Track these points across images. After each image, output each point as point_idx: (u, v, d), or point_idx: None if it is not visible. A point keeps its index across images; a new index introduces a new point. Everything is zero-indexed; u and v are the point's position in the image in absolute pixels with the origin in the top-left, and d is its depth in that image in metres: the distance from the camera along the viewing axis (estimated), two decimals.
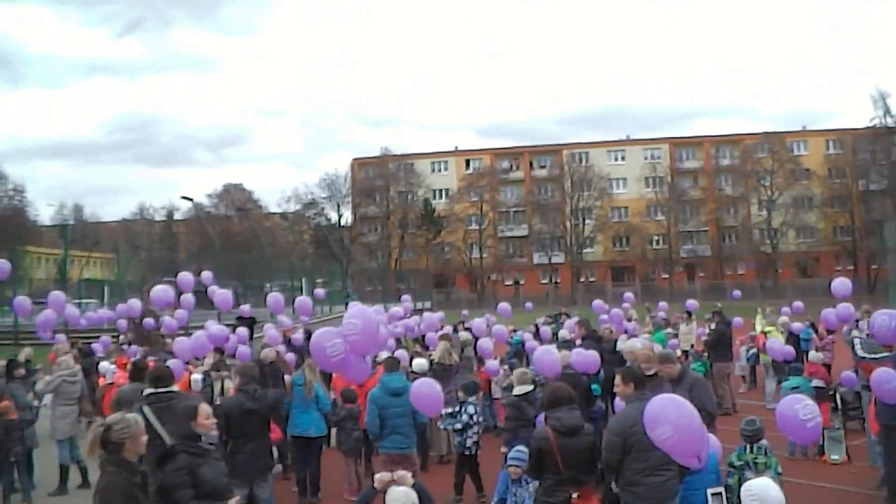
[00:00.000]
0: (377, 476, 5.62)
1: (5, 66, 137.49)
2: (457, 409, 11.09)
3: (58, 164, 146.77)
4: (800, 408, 6.89)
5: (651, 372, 8.86)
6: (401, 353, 14.26)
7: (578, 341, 16.15)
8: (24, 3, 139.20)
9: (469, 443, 10.79)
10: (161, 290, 15.91)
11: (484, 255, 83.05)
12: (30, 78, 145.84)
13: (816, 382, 13.45)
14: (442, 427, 11.70)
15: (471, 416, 10.81)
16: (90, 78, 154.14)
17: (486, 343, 15.69)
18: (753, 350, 20.82)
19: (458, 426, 10.89)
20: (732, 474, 8.11)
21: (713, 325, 19.37)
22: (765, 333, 19.64)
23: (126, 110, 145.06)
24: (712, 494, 5.54)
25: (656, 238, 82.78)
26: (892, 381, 8.01)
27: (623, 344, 13.71)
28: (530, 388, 10.15)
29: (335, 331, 8.32)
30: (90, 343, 20.12)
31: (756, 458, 8.24)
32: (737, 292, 29.49)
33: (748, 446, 8.34)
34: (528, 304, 22.49)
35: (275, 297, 18.54)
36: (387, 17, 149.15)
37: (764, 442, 8.40)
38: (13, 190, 79.83)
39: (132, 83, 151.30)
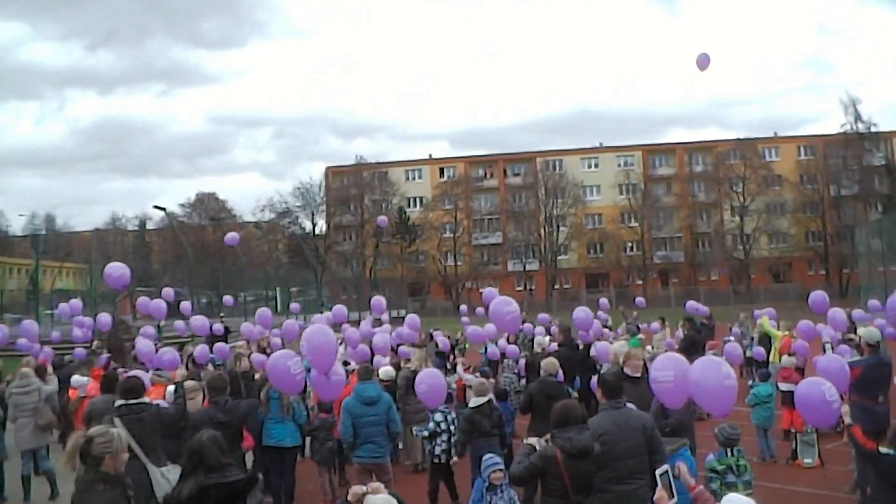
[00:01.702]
0: (351, 490, 5.57)
1: None
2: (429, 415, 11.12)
3: (30, 174, 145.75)
4: (825, 389, 6.98)
5: (638, 374, 8.87)
6: (377, 359, 14.24)
7: (554, 346, 16.24)
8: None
9: (438, 450, 10.72)
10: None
11: (459, 263, 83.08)
12: (2, 89, 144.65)
13: (787, 386, 13.52)
14: (415, 433, 11.68)
15: (437, 424, 10.75)
16: (64, 89, 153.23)
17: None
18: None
19: (426, 433, 10.86)
20: (714, 479, 8.13)
21: (684, 332, 19.48)
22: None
23: (100, 121, 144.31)
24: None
25: (630, 245, 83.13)
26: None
27: (609, 347, 13.77)
28: (484, 399, 10.16)
29: (291, 353, 8.38)
30: (63, 355, 19.89)
31: (738, 462, 8.29)
32: (640, 299, 29.09)
33: (728, 450, 8.36)
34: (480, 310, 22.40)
35: (263, 312, 18.53)
36: (360, 28, 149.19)
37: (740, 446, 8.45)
38: None
39: (106, 94, 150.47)
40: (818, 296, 15.05)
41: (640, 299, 29.05)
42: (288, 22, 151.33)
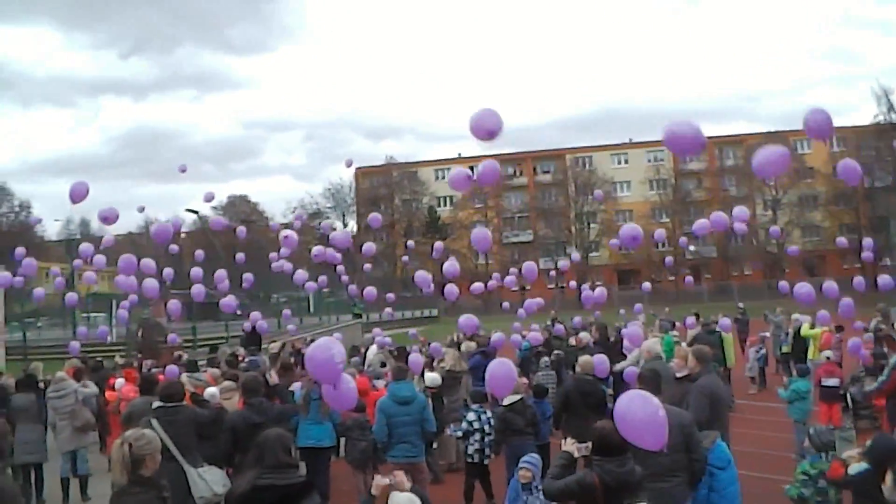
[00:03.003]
0: (374, 481, 5.55)
1: (14, 87, 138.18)
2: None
3: (65, 180, 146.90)
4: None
5: (682, 374, 8.82)
6: (415, 359, 14.22)
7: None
8: (33, 25, 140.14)
9: (471, 450, 10.72)
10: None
11: (489, 262, 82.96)
12: (38, 98, 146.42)
13: (831, 382, 13.42)
14: (449, 433, 11.67)
15: (471, 423, 10.73)
16: (98, 96, 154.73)
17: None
18: (763, 351, 20.77)
19: (459, 433, 10.85)
20: (808, 483, 7.94)
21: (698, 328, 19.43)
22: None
23: (133, 127, 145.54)
24: None
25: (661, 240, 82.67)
26: None
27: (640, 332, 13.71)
28: (517, 397, 10.13)
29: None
30: (100, 358, 20.13)
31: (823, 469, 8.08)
32: (646, 285, 28.50)
33: (823, 455, 8.15)
34: (522, 311, 22.25)
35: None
36: (387, 28, 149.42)
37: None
38: (19, 206, 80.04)
39: (139, 101, 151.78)
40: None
41: (646, 284, 29.38)
42: (316, 26, 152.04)
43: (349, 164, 26.47)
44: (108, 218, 14.90)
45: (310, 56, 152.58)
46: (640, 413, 5.59)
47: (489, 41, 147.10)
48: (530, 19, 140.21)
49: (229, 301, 18.05)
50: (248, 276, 24.04)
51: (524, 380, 14.20)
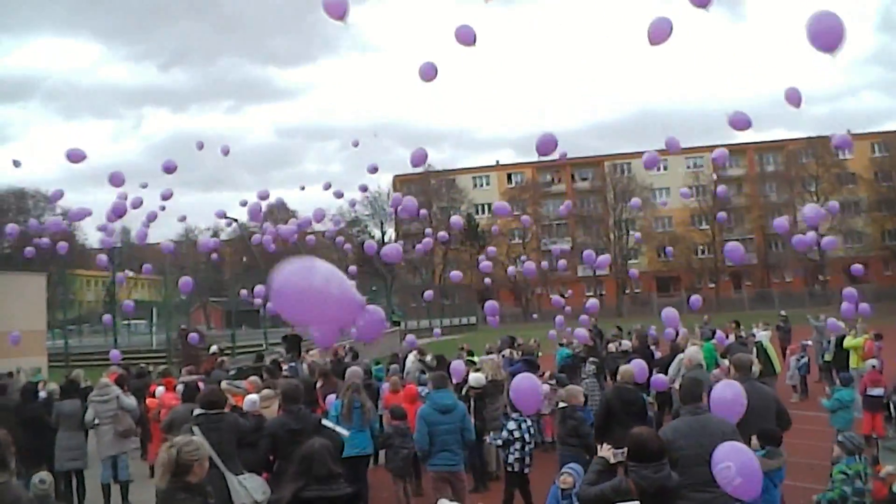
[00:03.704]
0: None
1: (58, 98, 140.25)
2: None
3: (106, 189, 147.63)
4: None
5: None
6: (457, 366, 14.19)
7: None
8: (75, 38, 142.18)
9: (511, 459, 10.65)
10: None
11: None
12: (81, 108, 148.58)
13: (876, 391, 13.24)
14: (489, 441, 11.64)
15: (511, 433, 10.68)
16: (139, 107, 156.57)
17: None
18: (805, 359, 20.52)
19: (499, 442, 10.82)
20: (847, 482, 7.97)
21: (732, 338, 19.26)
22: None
23: (173, 137, 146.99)
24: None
25: (701, 247, 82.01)
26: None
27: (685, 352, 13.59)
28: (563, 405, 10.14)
29: None
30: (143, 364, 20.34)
31: (865, 469, 8.14)
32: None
33: (857, 457, 8.21)
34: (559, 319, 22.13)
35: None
36: (423, 39, 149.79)
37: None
38: (62, 215, 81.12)
39: (179, 111, 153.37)
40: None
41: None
42: (355, 37, 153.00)
43: (373, 171, 26.01)
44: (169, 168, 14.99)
45: (349, 66, 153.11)
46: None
47: (525, 49, 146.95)
48: (569, 26, 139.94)
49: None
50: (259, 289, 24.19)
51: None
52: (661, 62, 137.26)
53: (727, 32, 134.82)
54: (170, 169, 16.89)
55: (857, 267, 24.09)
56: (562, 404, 10.22)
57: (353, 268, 29.20)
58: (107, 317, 24.77)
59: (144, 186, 23.56)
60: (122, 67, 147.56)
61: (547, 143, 11.49)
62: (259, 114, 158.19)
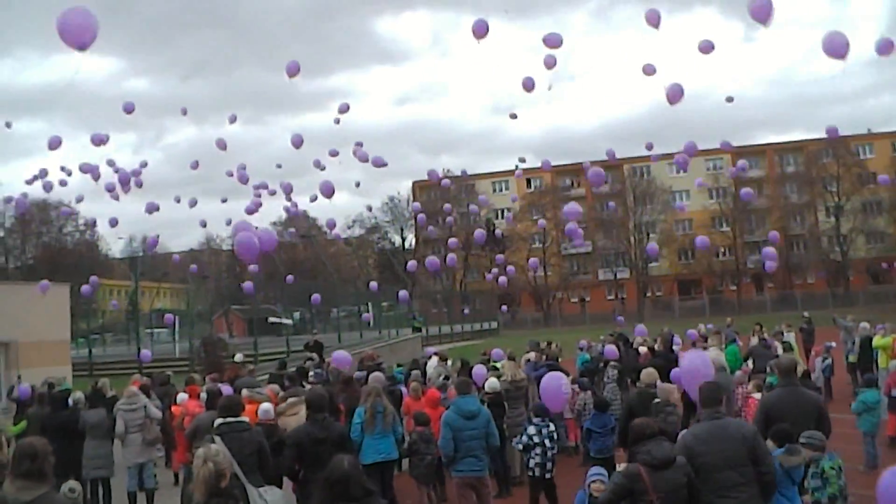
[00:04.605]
0: None
1: (80, 110, 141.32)
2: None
3: (128, 199, 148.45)
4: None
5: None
6: (478, 370, 14.21)
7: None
8: (97, 52, 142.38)
9: (532, 463, 10.66)
10: None
11: (548, 274, 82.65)
12: (103, 120, 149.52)
13: None
14: (513, 445, 11.65)
15: (531, 437, 10.69)
16: (160, 118, 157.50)
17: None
18: (829, 361, 20.40)
19: (520, 446, 10.83)
20: (839, 475, 7.81)
21: (755, 340, 19.16)
22: None
23: (194, 147, 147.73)
24: None
25: (722, 250, 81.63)
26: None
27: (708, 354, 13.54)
28: None
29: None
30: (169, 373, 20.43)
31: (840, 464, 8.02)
32: (620, 318, 26.23)
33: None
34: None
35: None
36: (442, 47, 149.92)
37: None
38: (84, 225, 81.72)
39: (200, 122, 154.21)
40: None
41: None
42: (374, 46, 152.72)
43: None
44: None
45: (366, 74, 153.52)
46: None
47: (542, 52, 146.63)
48: (584, 28, 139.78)
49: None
50: (316, 296, 24.44)
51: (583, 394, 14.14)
52: (679, 65, 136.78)
53: (747, 34, 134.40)
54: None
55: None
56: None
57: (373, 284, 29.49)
58: (168, 317, 24.93)
59: (178, 200, 23.98)
60: (143, 79, 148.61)
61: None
62: (278, 122, 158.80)
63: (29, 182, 22.22)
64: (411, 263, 16.49)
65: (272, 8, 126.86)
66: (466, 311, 62.96)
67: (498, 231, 61.02)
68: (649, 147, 20.65)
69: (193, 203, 22.67)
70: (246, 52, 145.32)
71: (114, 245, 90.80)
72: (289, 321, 47.90)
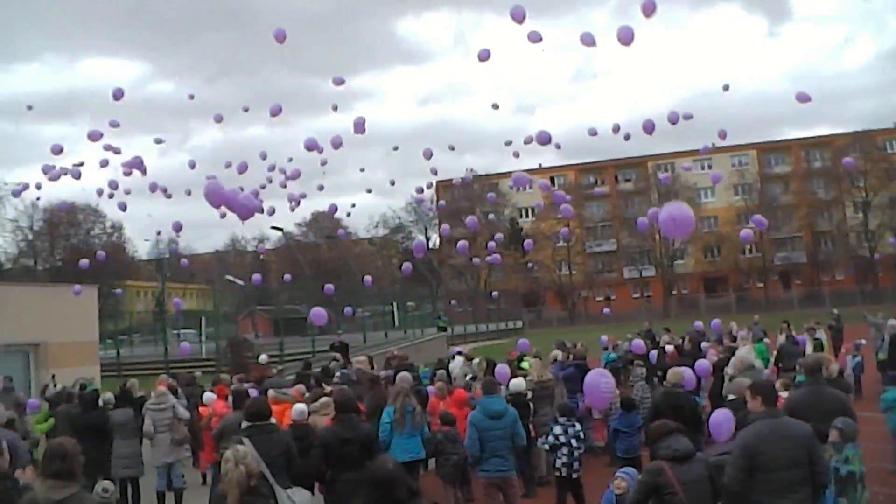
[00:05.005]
0: None
1: (107, 115, 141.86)
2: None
3: (154, 202, 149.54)
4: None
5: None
6: (501, 369, 14.16)
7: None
8: (123, 56, 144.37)
9: (559, 463, 10.63)
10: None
11: (573, 272, 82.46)
12: (130, 124, 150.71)
13: None
14: (539, 445, 11.61)
15: (556, 437, 10.67)
16: (185, 121, 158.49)
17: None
18: (859, 359, 20.22)
19: (546, 446, 10.80)
20: (861, 459, 7.90)
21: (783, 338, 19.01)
22: None
23: (219, 149, 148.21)
24: None
25: (748, 247, 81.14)
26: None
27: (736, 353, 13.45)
28: None
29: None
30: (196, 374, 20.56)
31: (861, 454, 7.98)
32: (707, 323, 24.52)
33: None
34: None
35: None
36: (465, 46, 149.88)
37: None
38: (111, 228, 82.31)
39: (225, 123, 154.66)
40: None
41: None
42: (396, 47, 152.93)
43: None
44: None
45: (390, 75, 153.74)
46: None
47: (566, 51, 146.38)
48: (607, 26, 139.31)
49: (319, 312, 18.21)
50: (329, 286, 24.49)
51: (617, 391, 14.07)
52: (701, 61, 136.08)
53: (770, 29, 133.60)
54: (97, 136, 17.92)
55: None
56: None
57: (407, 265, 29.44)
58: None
59: (223, 216, 24.13)
60: (168, 82, 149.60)
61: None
62: (302, 123, 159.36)
63: (49, 176, 22.37)
64: (417, 245, 16.04)
65: (295, 10, 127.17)
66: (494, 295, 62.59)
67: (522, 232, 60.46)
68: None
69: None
70: (270, 54, 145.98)
71: (140, 247, 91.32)
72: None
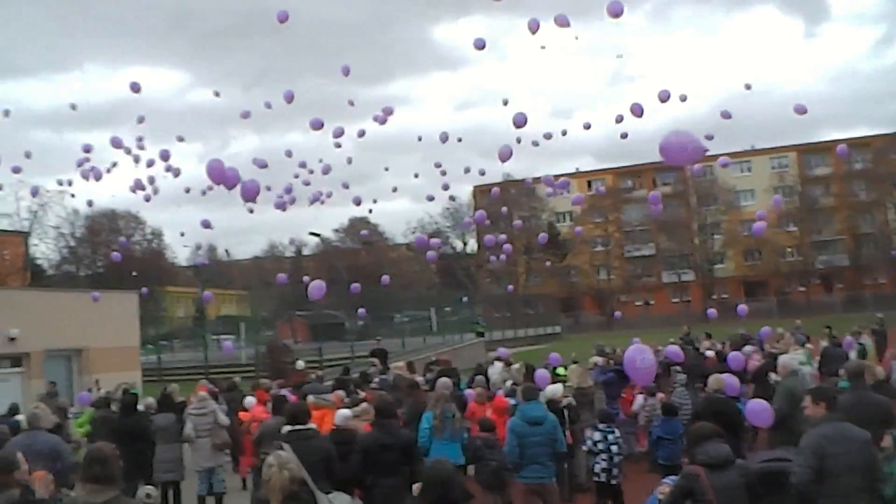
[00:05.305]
0: None
1: (147, 123, 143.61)
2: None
3: (193, 208, 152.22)
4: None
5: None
6: (541, 375, 14.11)
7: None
8: (162, 66, 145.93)
9: (598, 469, 10.61)
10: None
11: (611, 277, 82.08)
12: (169, 132, 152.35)
13: None
14: (584, 448, 11.57)
15: (595, 444, 10.62)
16: (224, 128, 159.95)
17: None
18: None
19: (584, 450, 10.78)
20: None
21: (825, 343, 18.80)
22: None
23: (257, 156, 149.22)
24: None
25: (789, 250, 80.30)
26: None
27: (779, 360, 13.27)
28: None
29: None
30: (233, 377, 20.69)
31: None
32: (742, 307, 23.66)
33: None
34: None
35: None
36: (503, 52, 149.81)
37: None
38: (151, 234, 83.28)
39: (262, 131, 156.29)
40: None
41: (741, 307, 23.82)
42: (432, 52, 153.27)
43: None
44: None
45: (426, 80, 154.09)
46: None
47: (603, 55, 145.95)
48: (644, 28, 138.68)
49: (318, 285, 18.16)
50: (355, 285, 24.46)
51: (661, 396, 13.97)
52: (738, 62, 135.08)
53: (808, 30, 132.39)
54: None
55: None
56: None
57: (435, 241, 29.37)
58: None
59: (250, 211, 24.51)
60: (207, 90, 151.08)
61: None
62: (339, 130, 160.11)
63: (81, 172, 22.81)
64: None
65: (331, 17, 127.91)
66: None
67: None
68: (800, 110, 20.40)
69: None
70: (307, 61, 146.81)
71: (180, 253, 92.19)
72: None
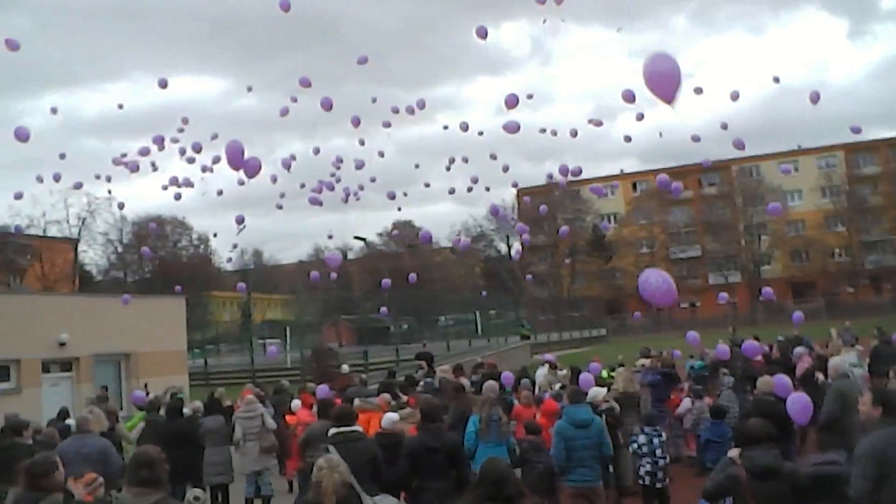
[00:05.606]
0: None
1: (192, 130, 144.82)
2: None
3: (239, 213, 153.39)
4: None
5: None
6: (585, 378, 14.07)
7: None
8: (207, 74, 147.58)
9: (642, 472, 10.59)
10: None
11: None
12: (216, 139, 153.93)
13: None
14: (631, 451, 11.53)
15: (640, 447, 10.59)
16: (269, 134, 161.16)
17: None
18: None
19: (630, 452, 10.74)
20: None
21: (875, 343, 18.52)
22: None
23: (302, 161, 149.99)
24: None
25: (838, 251, 79.22)
26: None
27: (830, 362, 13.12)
28: None
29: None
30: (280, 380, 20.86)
31: None
32: (797, 315, 23.13)
33: None
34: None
35: None
36: (545, 56, 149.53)
37: None
38: (198, 240, 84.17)
39: (307, 137, 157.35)
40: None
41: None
42: (476, 56, 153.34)
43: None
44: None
45: (470, 84, 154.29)
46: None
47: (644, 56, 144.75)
48: (688, 31, 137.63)
49: (333, 256, 18.16)
50: (386, 281, 24.43)
51: (709, 399, 13.87)
52: (783, 61, 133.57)
53: (853, 28, 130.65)
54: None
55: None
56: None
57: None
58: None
59: (280, 207, 24.72)
60: (251, 97, 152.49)
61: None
62: (383, 135, 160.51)
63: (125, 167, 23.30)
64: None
65: (375, 23, 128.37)
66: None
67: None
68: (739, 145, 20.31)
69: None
70: (351, 67, 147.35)
71: (226, 258, 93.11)
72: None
